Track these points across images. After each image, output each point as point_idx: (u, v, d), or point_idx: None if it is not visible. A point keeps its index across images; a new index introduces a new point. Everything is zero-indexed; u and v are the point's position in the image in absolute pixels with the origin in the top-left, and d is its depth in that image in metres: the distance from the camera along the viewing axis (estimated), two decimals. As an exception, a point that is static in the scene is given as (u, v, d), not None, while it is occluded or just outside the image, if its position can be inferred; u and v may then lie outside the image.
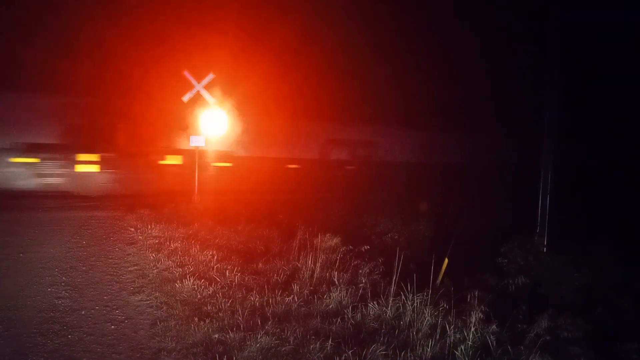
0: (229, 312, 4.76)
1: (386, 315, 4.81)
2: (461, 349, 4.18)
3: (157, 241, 7.37)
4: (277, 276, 5.92)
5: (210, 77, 10.75)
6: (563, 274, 7.82)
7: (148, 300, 5.14)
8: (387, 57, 18.87)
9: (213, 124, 10.80)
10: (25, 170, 12.20)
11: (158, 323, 4.53)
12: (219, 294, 5.20)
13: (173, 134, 13.69)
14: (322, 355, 3.98)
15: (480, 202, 13.10)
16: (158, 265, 6.22)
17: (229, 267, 6.05)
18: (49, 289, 5.35)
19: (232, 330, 4.29)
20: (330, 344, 4.09)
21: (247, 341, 4.12)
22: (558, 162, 9.36)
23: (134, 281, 5.72)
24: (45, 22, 13.33)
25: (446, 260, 6.48)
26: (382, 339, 4.29)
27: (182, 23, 14.24)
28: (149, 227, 8.20)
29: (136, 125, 13.65)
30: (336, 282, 5.60)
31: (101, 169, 13.04)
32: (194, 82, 10.68)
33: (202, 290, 5.29)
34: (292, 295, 5.19)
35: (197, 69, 10.77)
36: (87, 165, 12.87)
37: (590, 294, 7.24)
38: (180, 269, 5.98)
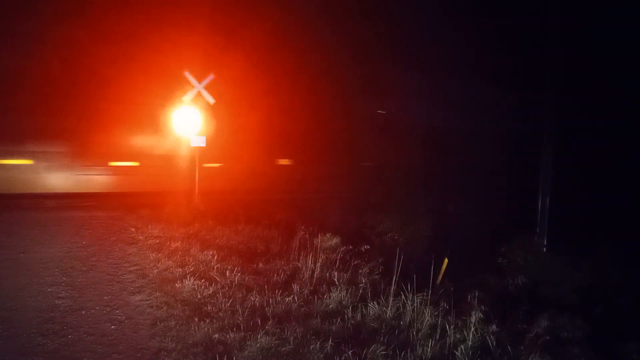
0: (229, 312, 4.76)
1: (386, 315, 4.82)
2: (461, 349, 4.19)
3: (157, 241, 7.37)
4: (277, 276, 5.92)
5: (210, 77, 10.76)
6: (563, 274, 7.84)
7: (148, 300, 5.14)
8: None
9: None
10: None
11: (158, 323, 4.53)
12: (219, 294, 5.20)
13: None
14: (322, 355, 3.99)
15: (481, 202, 13.10)
16: (158, 265, 6.22)
17: (229, 267, 6.05)
18: (49, 289, 5.35)
19: (232, 330, 4.29)
20: (331, 344, 4.09)
21: (247, 341, 4.13)
22: (558, 162, 9.37)
23: (135, 281, 5.72)
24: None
25: (446, 260, 6.50)
26: (382, 339, 4.29)
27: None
28: (149, 227, 8.21)
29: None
30: (336, 282, 5.60)
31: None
32: (194, 82, 10.68)
33: (203, 290, 5.29)
34: (292, 295, 5.19)
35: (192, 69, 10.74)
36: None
37: (590, 294, 7.25)
38: (181, 269, 5.99)
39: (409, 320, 4.70)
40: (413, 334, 4.46)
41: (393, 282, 5.24)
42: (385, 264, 6.34)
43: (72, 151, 13.12)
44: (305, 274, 5.93)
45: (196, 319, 4.54)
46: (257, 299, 5.06)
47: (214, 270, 5.96)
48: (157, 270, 6.07)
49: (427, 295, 5.01)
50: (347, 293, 5.28)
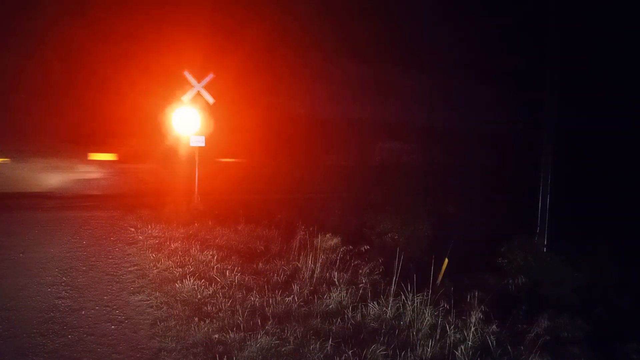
0: (229, 312, 4.76)
1: (386, 315, 4.81)
2: (461, 349, 4.19)
3: (157, 241, 7.37)
4: (277, 276, 5.92)
5: (210, 77, 10.74)
6: (563, 274, 7.83)
7: (148, 300, 5.14)
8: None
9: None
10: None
11: (158, 323, 4.53)
12: (219, 294, 5.20)
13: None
14: (322, 356, 3.99)
15: (481, 202, 13.10)
16: (158, 265, 6.22)
17: (229, 267, 6.05)
18: (49, 289, 5.35)
19: (232, 330, 4.29)
20: (330, 344, 4.09)
21: (247, 341, 4.13)
22: (558, 162, 9.37)
23: (134, 281, 5.72)
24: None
25: (446, 260, 6.49)
26: (382, 339, 4.29)
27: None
28: (149, 227, 8.20)
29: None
30: (336, 282, 5.60)
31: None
32: (193, 82, 10.67)
33: (202, 290, 5.29)
34: (292, 295, 5.19)
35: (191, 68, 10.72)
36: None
37: (589, 294, 7.24)
38: (181, 269, 5.99)
39: (409, 320, 4.69)
40: (413, 334, 4.46)
41: (393, 282, 5.23)
42: (385, 264, 6.33)
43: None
44: (305, 274, 5.93)
45: (196, 319, 4.54)
46: (257, 299, 5.06)
47: (214, 270, 5.95)
48: (156, 270, 6.07)
49: (427, 295, 5.01)
50: (347, 293, 5.28)
